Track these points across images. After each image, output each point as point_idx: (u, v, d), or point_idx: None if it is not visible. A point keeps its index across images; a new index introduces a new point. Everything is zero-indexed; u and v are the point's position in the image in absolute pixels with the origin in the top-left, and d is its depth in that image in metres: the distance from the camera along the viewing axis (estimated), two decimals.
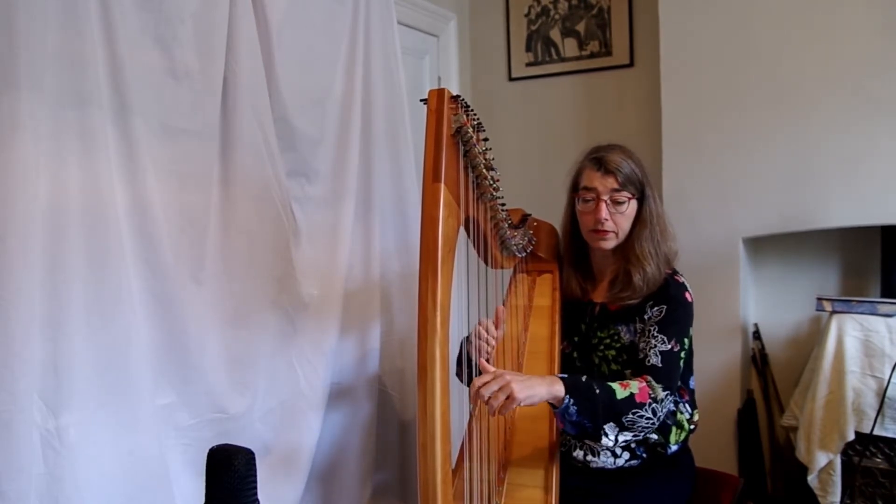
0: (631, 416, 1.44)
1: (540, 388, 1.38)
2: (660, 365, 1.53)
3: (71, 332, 1.36)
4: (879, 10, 2.31)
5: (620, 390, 1.46)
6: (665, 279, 1.63)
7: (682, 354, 1.58)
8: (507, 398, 1.33)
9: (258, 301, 1.80)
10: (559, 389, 1.40)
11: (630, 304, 1.62)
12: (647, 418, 1.46)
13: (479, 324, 1.53)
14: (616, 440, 1.46)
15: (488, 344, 1.52)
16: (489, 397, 1.33)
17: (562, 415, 1.43)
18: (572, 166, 1.72)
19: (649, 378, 1.50)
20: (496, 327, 1.53)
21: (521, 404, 1.36)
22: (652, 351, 1.55)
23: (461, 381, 1.62)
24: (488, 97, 3.19)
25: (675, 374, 1.56)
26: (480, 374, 1.38)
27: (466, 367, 1.56)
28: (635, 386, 1.47)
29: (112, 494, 1.43)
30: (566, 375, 1.44)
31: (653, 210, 1.65)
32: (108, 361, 1.43)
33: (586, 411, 1.41)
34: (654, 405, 1.47)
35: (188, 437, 1.62)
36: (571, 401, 1.40)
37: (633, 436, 1.49)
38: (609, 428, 1.44)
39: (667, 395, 1.49)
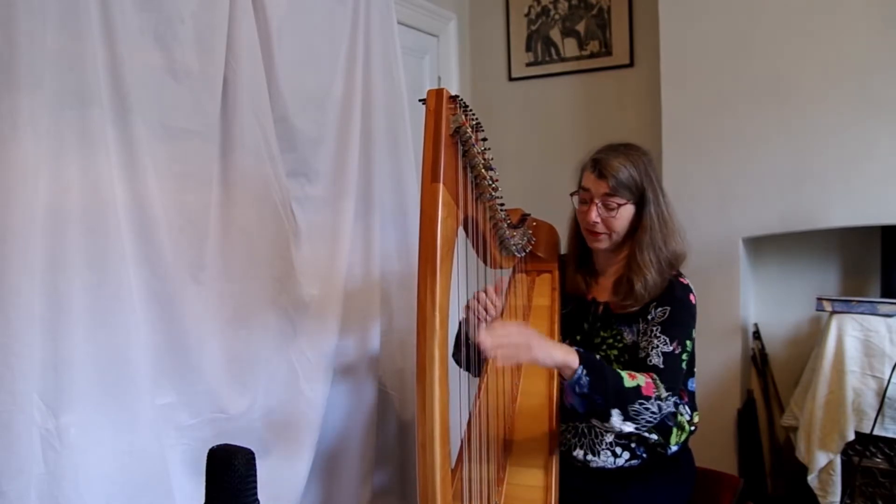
0: (637, 405, 1.43)
1: (556, 351, 1.40)
2: (661, 365, 1.52)
3: (71, 332, 1.36)
4: (879, 9, 2.31)
5: (628, 379, 1.45)
6: (670, 281, 1.62)
7: (685, 356, 1.57)
8: (525, 347, 1.35)
9: (258, 301, 1.81)
10: (573, 359, 1.40)
11: (632, 311, 1.62)
12: (652, 412, 1.45)
13: (483, 291, 1.52)
14: (621, 428, 1.45)
15: (487, 312, 1.51)
16: (506, 344, 1.33)
17: (572, 386, 1.41)
18: (579, 162, 1.72)
19: (654, 376, 1.50)
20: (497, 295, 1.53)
21: (536, 358, 1.38)
22: (654, 351, 1.54)
23: (458, 365, 1.60)
24: (488, 97, 3.19)
25: (677, 376, 1.55)
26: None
27: (465, 348, 1.55)
28: (642, 379, 1.46)
29: (112, 494, 1.43)
30: (580, 349, 1.44)
31: (653, 214, 1.62)
32: (107, 361, 1.43)
33: (597, 386, 1.41)
34: (658, 401, 1.46)
35: (188, 437, 1.62)
36: (584, 371, 1.40)
37: (636, 428, 1.47)
38: (615, 413, 1.43)
39: (669, 394, 1.49)
